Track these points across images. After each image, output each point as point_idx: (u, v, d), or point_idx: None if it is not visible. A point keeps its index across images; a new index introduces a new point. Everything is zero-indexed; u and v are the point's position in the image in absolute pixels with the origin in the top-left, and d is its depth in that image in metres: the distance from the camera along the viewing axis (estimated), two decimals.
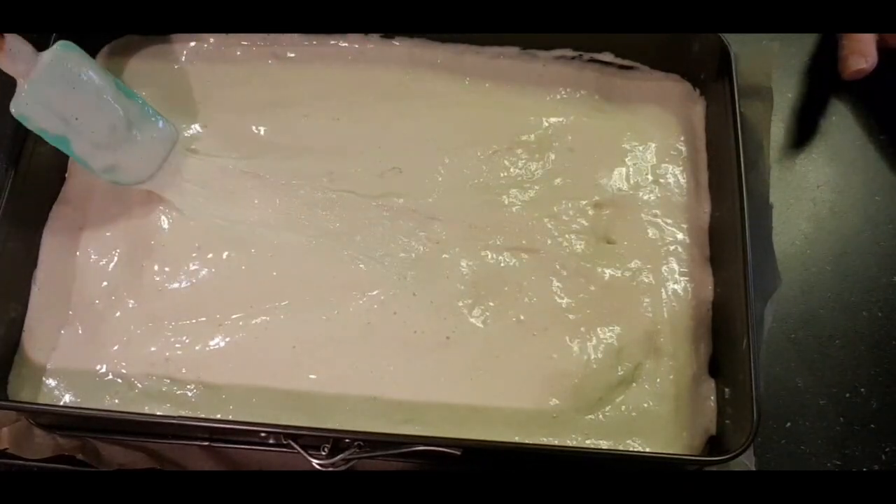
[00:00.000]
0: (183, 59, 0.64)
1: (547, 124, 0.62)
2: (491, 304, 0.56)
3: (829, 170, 0.64)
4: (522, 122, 0.62)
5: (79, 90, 0.53)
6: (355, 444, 0.49)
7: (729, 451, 0.48)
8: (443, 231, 0.58)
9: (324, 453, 0.49)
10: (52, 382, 0.54)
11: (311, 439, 0.49)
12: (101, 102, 0.55)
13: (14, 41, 0.51)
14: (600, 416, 0.53)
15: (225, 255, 0.57)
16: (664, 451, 0.52)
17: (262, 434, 0.51)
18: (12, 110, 0.51)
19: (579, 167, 0.60)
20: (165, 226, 0.58)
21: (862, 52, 0.62)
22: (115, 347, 0.54)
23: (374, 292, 0.56)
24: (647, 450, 0.52)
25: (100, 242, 0.57)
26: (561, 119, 0.62)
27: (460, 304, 0.56)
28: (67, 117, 0.53)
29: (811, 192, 0.64)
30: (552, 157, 0.61)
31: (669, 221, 0.59)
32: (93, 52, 0.62)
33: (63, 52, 0.53)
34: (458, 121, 0.62)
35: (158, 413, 0.52)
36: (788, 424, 0.56)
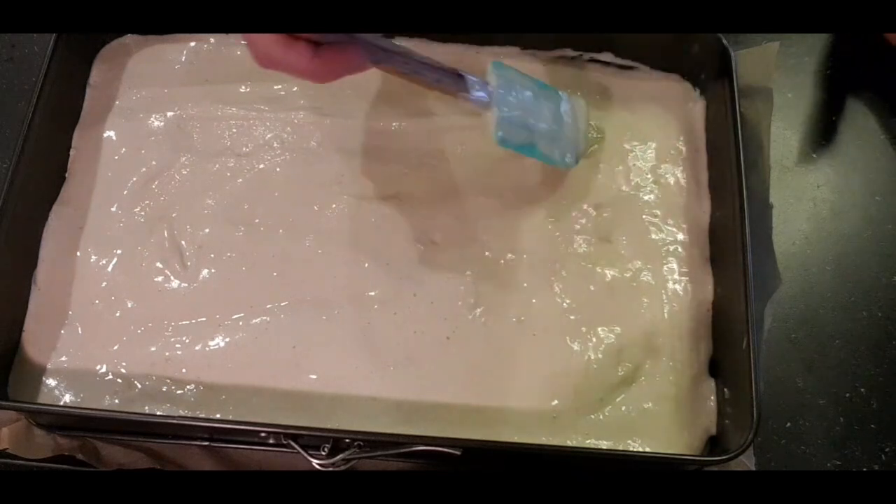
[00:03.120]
0: (183, 59, 0.64)
1: None
2: (491, 304, 0.56)
3: (829, 170, 0.64)
4: None
5: (523, 96, 0.55)
6: (355, 444, 0.49)
7: (729, 451, 0.48)
8: (443, 231, 0.58)
9: (324, 453, 0.49)
10: (52, 382, 0.54)
11: (311, 439, 0.49)
12: (537, 98, 0.56)
13: (470, 81, 0.53)
14: (600, 417, 0.53)
15: (225, 255, 0.57)
16: (664, 451, 0.52)
17: (262, 434, 0.51)
18: (495, 139, 0.54)
19: (580, 167, 0.60)
20: (165, 226, 0.58)
21: None
22: (115, 347, 0.54)
23: (374, 292, 0.56)
24: (647, 450, 0.52)
25: (100, 242, 0.57)
26: None
27: (460, 304, 0.56)
28: (528, 124, 0.55)
29: (811, 192, 0.64)
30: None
31: (669, 221, 0.59)
32: (93, 52, 0.63)
33: (499, 70, 0.55)
34: (458, 121, 0.62)
35: (158, 413, 0.52)
36: (788, 424, 0.56)
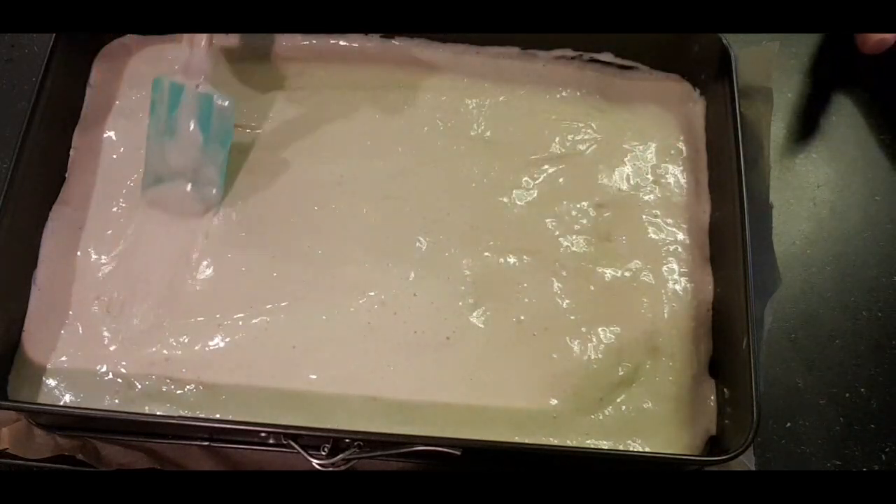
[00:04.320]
0: (183, 59, 0.63)
1: (547, 125, 0.62)
2: (491, 304, 0.56)
3: (829, 170, 0.64)
4: (522, 122, 0.62)
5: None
6: (355, 444, 0.49)
7: (729, 451, 0.48)
8: (443, 231, 0.58)
9: (324, 453, 0.49)
10: (52, 382, 0.54)
11: (311, 439, 0.49)
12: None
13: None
14: (600, 416, 0.53)
15: (225, 255, 0.57)
16: (664, 451, 0.52)
17: (262, 434, 0.51)
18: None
19: (580, 167, 0.60)
20: (165, 226, 0.58)
21: None
22: (115, 347, 0.54)
23: (374, 292, 0.56)
24: (647, 450, 0.52)
25: (100, 242, 0.57)
26: (561, 119, 0.62)
27: (460, 304, 0.56)
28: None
29: (811, 192, 0.64)
30: (553, 157, 0.61)
31: (669, 221, 0.59)
32: (93, 52, 0.63)
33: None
34: (458, 122, 0.62)
35: (158, 413, 0.52)
36: (788, 424, 0.56)
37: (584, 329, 0.55)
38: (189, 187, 0.58)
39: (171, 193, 0.58)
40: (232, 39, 0.64)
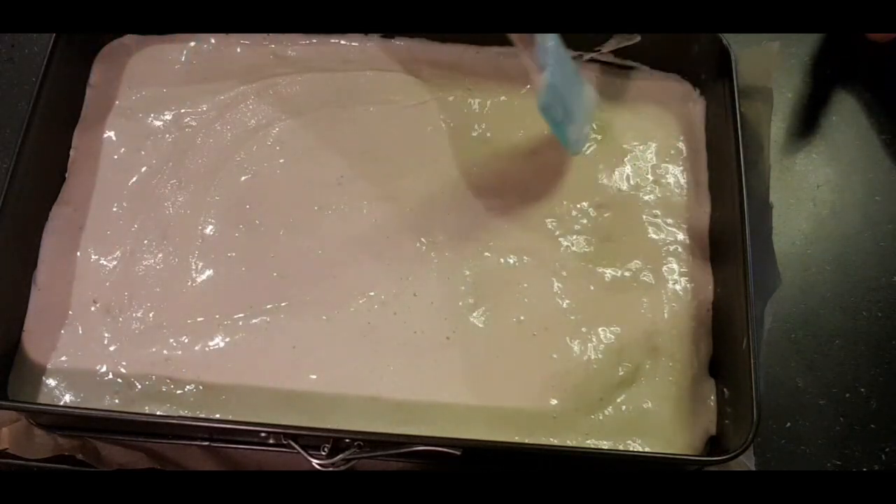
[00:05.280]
0: (183, 59, 0.64)
1: (547, 125, 0.62)
2: (491, 304, 0.56)
3: (829, 170, 0.64)
4: (523, 122, 0.62)
5: (568, 71, 0.53)
6: (355, 444, 0.49)
7: (729, 451, 0.48)
8: (444, 231, 0.58)
9: (324, 453, 0.49)
10: (52, 382, 0.54)
11: (311, 439, 0.49)
12: (576, 79, 0.55)
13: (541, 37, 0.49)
14: (600, 417, 0.53)
15: (225, 255, 0.57)
16: (664, 451, 0.52)
17: (262, 434, 0.51)
18: (539, 103, 0.51)
19: (580, 167, 0.60)
20: (165, 226, 0.58)
21: None
22: (115, 347, 0.54)
23: (374, 292, 0.56)
24: (648, 450, 0.52)
25: (100, 242, 0.57)
26: None
27: (460, 304, 0.56)
28: (566, 103, 0.53)
29: (811, 192, 0.64)
30: (553, 157, 0.61)
31: (669, 221, 0.59)
32: (93, 52, 0.63)
33: (555, 40, 0.52)
34: (458, 122, 0.62)
35: (158, 413, 0.52)
36: (788, 424, 0.56)
37: (584, 329, 0.55)
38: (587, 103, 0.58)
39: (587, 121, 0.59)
40: (232, 40, 0.64)
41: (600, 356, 0.54)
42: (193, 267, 0.56)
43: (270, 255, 0.57)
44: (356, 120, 0.62)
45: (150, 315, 0.55)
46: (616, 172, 0.61)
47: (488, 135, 0.61)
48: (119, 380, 0.54)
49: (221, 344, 0.54)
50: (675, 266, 0.58)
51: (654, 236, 0.58)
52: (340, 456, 0.49)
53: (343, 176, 0.60)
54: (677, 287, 0.57)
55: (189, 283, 0.56)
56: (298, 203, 0.59)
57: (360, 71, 0.63)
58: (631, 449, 0.52)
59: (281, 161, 0.60)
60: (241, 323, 0.55)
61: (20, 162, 0.54)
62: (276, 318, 0.55)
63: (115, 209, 0.58)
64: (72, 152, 0.60)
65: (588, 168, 0.61)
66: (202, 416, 0.52)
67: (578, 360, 0.54)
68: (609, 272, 0.57)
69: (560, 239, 0.58)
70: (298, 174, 0.60)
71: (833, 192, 0.64)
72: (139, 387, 0.53)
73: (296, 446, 0.49)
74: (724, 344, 0.54)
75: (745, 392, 0.49)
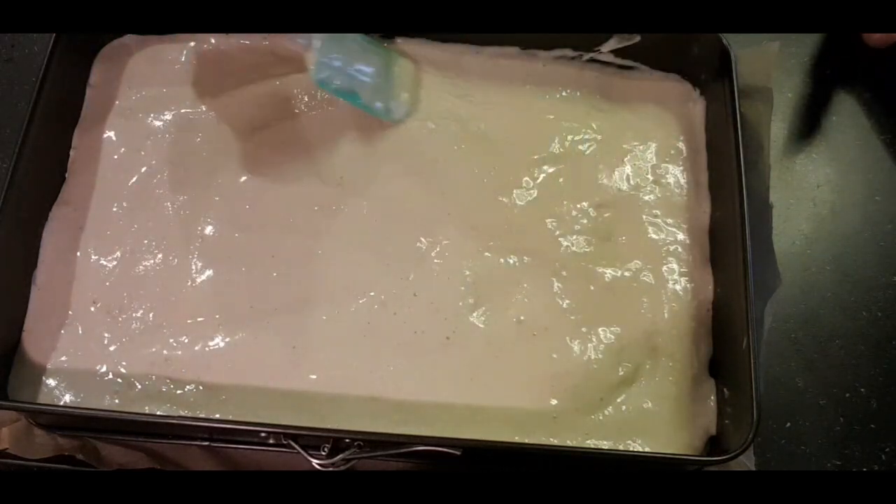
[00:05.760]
0: (183, 59, 0.64)
1: (547, 125, 0.62)
2: (491, 304, 0.56)
3: (829, 170, 0.64)
4: (522, 122, 0.62)
5: (346, 43, 0.57)
6: (355, 444, 0.49)
7: (729, 451, 0.48)
8: (443, 231, 0.58)
9: (324, 453, 0.49)
10: (52, 382, 0.54)
11: (311, 439, 0.49)
12: (362, 48, 0.59)
13: None
14: (600, 417, 0.53)
15: (225, 255, 0.57)
16: (664, 451, 0.52)
17: (262, 434, 0.51)
18: (314, 78, 0.55)
19: (580, 167, 0.60)
20: (165, 226, 0.58)
21: None
22: (115, 347, 0.54)
23: (374, 292, 0.56)
24: (647, 450, 0.52)
25: (100, 242, 0.57)
26: (561, 119, 0.62)
27: (461, 304, 0.56)
28: (350, 71, 0.57)
29: (811, 192, 0.64)
30: (553, 157, 0.61)
31: (669, 221, 0.59)
32: (93, 52, 0.63)
33: None
34: (458, 122, 0.62)
35: (158, 413, 0.52)
36: (788, 424, 0.56)
37: (584, 329, 0.55)
38: (394, 70, 0.61)
39: (393, 88, 0.61)
40: (232, 39, 0.64)
41: (600, 356, 0.54)
42: (193, 267, 0.56)
43: (270, 256, 0.57)
44: (356, 120, 0.62)
45: (150, 315, 0.55)
46: (616, 172, 0.61)
47: (488, 135, 0.61)
48: (119, 380, 0.54)
49: (221, 344, 0.54)
50: (675, 266, 0.58)
51: (654, 236, 0.58)
52: (340, 456, 0.49)
53: (343, 176, 0.60)
54: (677, 287, 0.57)
55: (189, 284, 0.56)
56: (298, 203, 0.59)
57: None
58: (631, 449, 0.52)
59: (281, 161, 0.60)
60: (241, 323, 0.55)
61: (20, 162, 0.54)
62: (276, 318, 0.55)
63: (115, 209, 0.58)
64: (72, 152, 0.60)
65: (588, 168, 0.61)
66: (202, 416, 0.52)
67: (578, 360, 0.54)
68: (609, 272, 0.57)
69: (560, 239, 0.58)
70: (299, 174, 0.60)
71: (833, 192, 0.64)
72: (139, 387, 0.53)
73: (296, 446, 0.49)
74: (724, 344, 0.54)
75: (745, 392, 0.49)
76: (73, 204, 0.58)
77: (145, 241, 0.57)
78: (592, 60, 0.63)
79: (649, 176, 0.61)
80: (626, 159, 0.61)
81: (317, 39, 0.56)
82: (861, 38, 0.64)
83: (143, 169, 0.59)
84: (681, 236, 0.59)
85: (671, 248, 0.58)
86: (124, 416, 0.51)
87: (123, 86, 0.63)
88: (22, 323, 0.55)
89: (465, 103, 0.63)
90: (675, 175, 0.61)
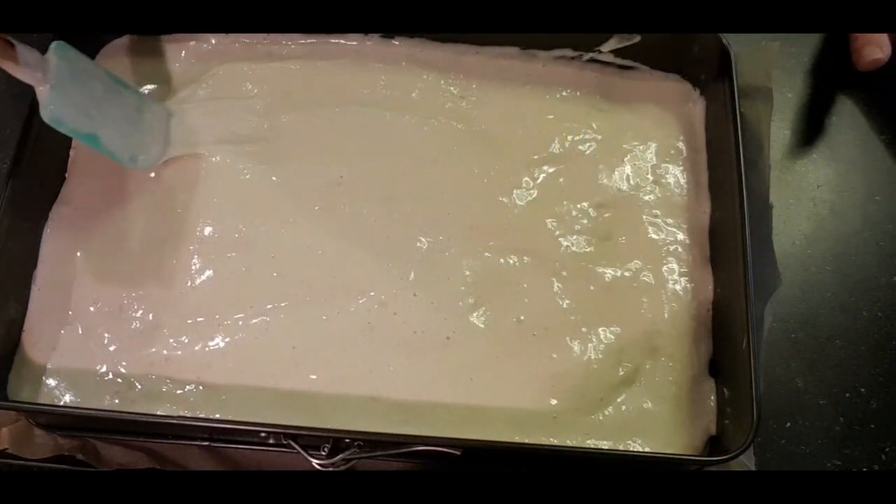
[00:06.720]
0: (183, 58, 0.64)
1: (547, 125, 0.62)
2: (491, 304, 0.56)
3: (829, 170, 0.64)
4: (523, 122, 0.62)
5: (90, 84, 0.54)
6: (355, 444, 0.49)
7: (729, 451, 0.48)
8: (444, 232, 0.58)
9: (324, 453, 0.49)
10: (52, 382, 0.54)
11: (311, 439, 0.49)
12: (109, 92, 0.56)
13: (23, 51, 0.51)
14: (600, 417, 0.53)
15: (225, 255, 0.57)
16: (664, 451, 0.52)
17: (262, 434, 0.51)
18: (45, 118, 0.51)
19: (580, 167, 0.60)
20: (165, 226, 0.58)
21: (877, 42, 0.61)
22: (115, 347, 0.54)
23: (374, 292, 0.56)
24: (647, 450, 0.52)
25: (100, 242, 0.57)
26: (561, 119, 0.62)
27: (461, 304, 0.56)
28: (91, 113, 0.54)
29: (811, 192, 0.64)
30: (553, 157, 0.61)
31: (669, 221, 0.59)
32: (93, 52, 0.63)
33: (63, 52, 0.53)
34: (458, 122, 0.62)
35: (158, 413, 0.52)
36: (788, 424, 0.56)
37: (584, 329, 0.55)
38: (147, 118, 0.59)
39: (145, 136, 0.58)
40: (231, 39, 0.64)
41: (600, 356, 0.54)
42: (193, 267, 0.56)
43: (270, 255, 0.57)
44: (356, 120, 0.62)
45: (150, 315, 0.55)
46: (616, 172, 0.61)
47: (488, 135, 0.61)
48: (119, 380, 0.54)
49: (221, 344, 0.54)
50: (675, 266, 0.58)
51: (654, 236, 0.58)
52: (340, 456, 0.49)
53: (343, 176, 0.60)
54: (677, 287, 0.57)
55: (189, 283, 0.56)
56: (298, 203, 0.59)
57: (359, 71, 0.63)
58: (631, 449, 0.52)
59: (281, 160, 0.60)
60: (241, 323, 0.55)
61: (20, 162, 0.54)
62: (276, 318, 0.55)
63: (114, 209, 0.58)
64: (72, 152, 0.60)
65: (588, 168, 0.61)
66: (202, 416, 0.52)
67: (578, 360, 0.54)
68: (609, 272, 0.57)
69: (560, 239, 0.58)
70: (298, 174, 0.60)
71: (833, 192, 0.64)
72: (139, 387, 0.53)
73: (296, 446, 0.49)
74: (724, 344, 0.54)
75: (745, 392, 0.49)
76: (73, 204, 0.58)
77: (145, 241, 0.57)
78: (592, 60, 0.63)
79: (649, 176, 0.61)
80: (626, 159, 0.61)
81: (52, 76, 0.51)
82: (852, 60, 0.64)
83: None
84: (681, 236, 0.59)
85: (671, 248, 0.58)
86: (124, 416, 0.51)
87: None
88: (22, 323, 0.55)
89: (465, 103, 0.63)
90: (675, 175, 0.61)
